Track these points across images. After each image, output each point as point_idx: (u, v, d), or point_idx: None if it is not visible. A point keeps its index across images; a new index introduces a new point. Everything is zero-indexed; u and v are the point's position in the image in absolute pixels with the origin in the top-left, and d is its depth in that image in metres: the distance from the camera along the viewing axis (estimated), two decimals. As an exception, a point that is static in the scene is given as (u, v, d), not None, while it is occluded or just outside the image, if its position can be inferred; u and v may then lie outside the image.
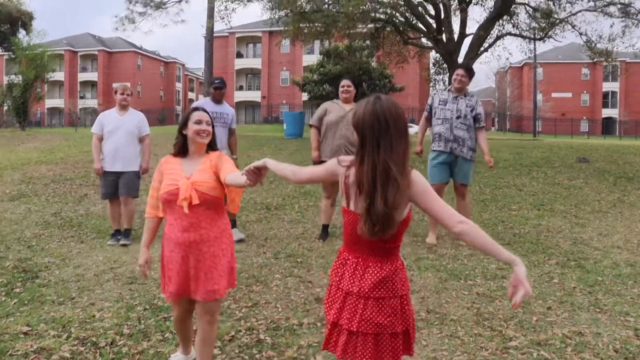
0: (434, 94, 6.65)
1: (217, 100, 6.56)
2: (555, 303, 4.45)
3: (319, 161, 6.31)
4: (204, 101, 6.87)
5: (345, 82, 6.52)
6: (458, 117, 6.32)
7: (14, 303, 4.31)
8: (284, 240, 6.45)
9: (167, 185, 2.89)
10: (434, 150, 6.46)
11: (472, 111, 6.36)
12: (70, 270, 5.23)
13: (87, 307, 4.24)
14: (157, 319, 4.01)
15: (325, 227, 6.55)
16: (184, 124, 2.98)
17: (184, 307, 3.07)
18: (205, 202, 2.85)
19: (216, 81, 6.56)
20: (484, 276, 5.13)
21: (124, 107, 6.50)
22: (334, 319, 2.19)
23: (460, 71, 6.38)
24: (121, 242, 6.30)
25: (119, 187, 6.44)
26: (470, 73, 6.42)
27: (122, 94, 6.45)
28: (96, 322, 3.94)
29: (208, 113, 3.03)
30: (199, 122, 2.94)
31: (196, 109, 3.03)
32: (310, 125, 6.55)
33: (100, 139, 6.45)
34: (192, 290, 2.89)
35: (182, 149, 3.02)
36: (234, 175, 2.69)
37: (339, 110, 6.42)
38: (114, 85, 6.62)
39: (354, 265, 2.17)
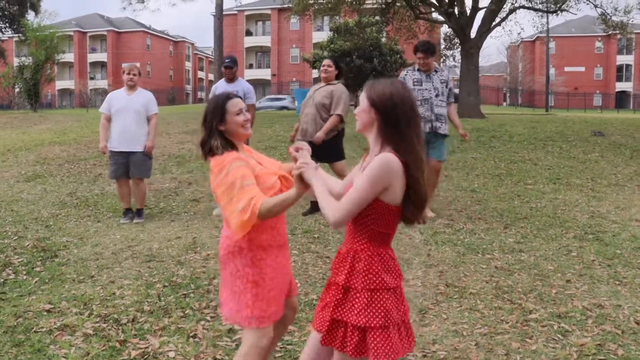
0: (405, 74, 6.46)
1: (230, 79, 6.60)
2: (575, 276, 4.43)
3: (292, 139, 6.66)
4: (219, 83, 6.92)
5: (325, 61, 6.50)
6: (437, 95, 6.26)
7: (35, 281, 4.36)
8: (300, 216, 6.45)
9: (266, 184, 2.39)
10: None
11: (446, 86, 6.33)
12: (89, 249, 5.27)
13: (107, 285, 4.27)
14: (176, 295, 4.03)
15: (313, 203, 6.52)
16: (221, 118, 2.46)
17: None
18: None
19: (226, 60, 6.62)
20: (502, 250, 5.11)
21: (131, 87, 6.48)
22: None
23: (420, 54, 6.26)
24: (135, 220, 6.35)
25: (130, 168, 6.44)
26: (429, 52, 6.26)
27: (129, 73, 6.43)
28: (117, 299, 3.98)
29: (239, 97, 2.60)
30: (240, 112, 2.49)
31: (228, 96, 2.53)
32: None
33: (109, 119, 6.46)
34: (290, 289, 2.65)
35: (221, 144, 2.45)
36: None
37: (310, 91, 6.51)
38: (123, 65, 6.60)
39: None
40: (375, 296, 2.03)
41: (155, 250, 5.17)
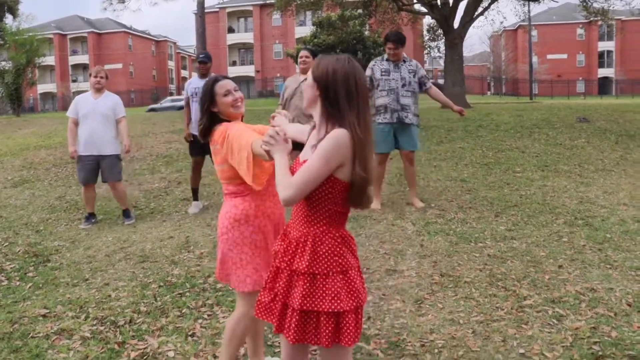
0: (373, 64, 6.45)
1: (203, 75, 6.67)
2: (566, 261, 4.48)
3: None
4: (193, 79, 6.94)
5: (303, 52, 6.45)
6: (404, 85, 6.26)
7: (29, 287, 4.34)
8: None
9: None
10: (379, 123, 6.29)
11: (414, 76, 6.31)
12: (81, 252, 5.24)
13: (102, 288, 4.26)
14: (172, 295, 4.03)
15: None
16: (211, 100, 2.63)
17: None
18: None
19: (200, 56, 6.69)
20: (494, 238, 5.16)
21: (98, 90, 6.37)
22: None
23: (390, 44, 6.27)
24: (126, 222, 6.32)
25: (101, 172, 6.38)
26: (399, 42, 6.28)
27: (96, 76, 6.33)
28: (112, 301, 3.97)
29: (229, 78, 2.74)
30: (227, 92, 2.62)
31: (216, 79, 2.70)
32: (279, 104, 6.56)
33: (76, 123, 6.36)
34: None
35: (208, 131, 2.65)
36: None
37: (294, 83, 6.42)
38: (91, 69, 6.54)
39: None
40: (346, 278, 1.99)
41: (148, 251, 5.16)
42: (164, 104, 38.80)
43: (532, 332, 3.26)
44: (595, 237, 5.08)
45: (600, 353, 2.97)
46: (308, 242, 1.99)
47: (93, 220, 6.40)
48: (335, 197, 1.96)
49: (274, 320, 2.05)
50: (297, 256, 2.01)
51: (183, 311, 3.74)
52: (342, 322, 1.95)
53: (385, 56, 6.40)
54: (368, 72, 6.39)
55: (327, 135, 1.92)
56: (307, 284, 1.97)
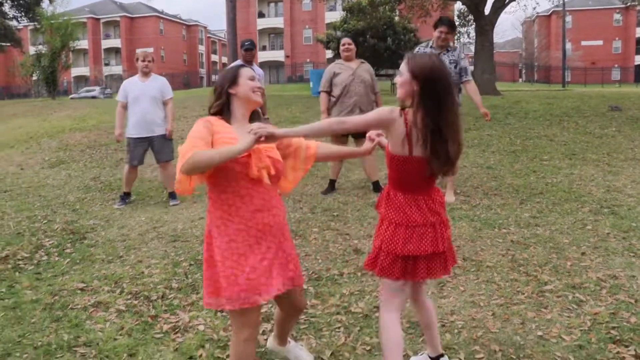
0: (417, 50, 6.42)
1: (248, 61, 6.72)
2: (590, 249, 4.52)
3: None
4: (235, 64, 6.95)
5: (345, 40, 6.56)
6: None
7: (67, 262, 4.55)
8: (319, 195, 6.58)
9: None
10: None
11: (455, 66, 6.18)
12: (115, 231, 5.45)
13: (136, 265, 4.45)
14: (202, 273, 4.18)
15: (332, 182, 6.77)
16: (233, 82, 2.44)
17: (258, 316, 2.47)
18: (278, 173, 2.41)
19: (246, 43, 6.73)
20: (517, 224, 5.21)
21: (146, 74, 6.58)
22: (434, 250, 2.40)
23: (443, 28, 6.15)
24: (171, 203, 6.51)
25: (154, 154, 6.62)
26: (452, 28, 6.24)
27: (144, 60, 6.53)
28: (145, 277, 4.15)
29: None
30: (252, 78, 2.47)
31: (242, 65, 2.59)
32: (320, 91, 6.62)
33: (125, 106, 6.58)
34: (264, 284, 2.30)
35: (223, 111, 2.45)
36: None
37: (347, 70, 6.47)
38: (137, 51, 6.72)
39: (425, 201, 2.42)
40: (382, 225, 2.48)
41: (179, 231, 5.34)
42: (81, 93, 45.85)
43: (551, 316, 3.33)
44: (621, 226, 5.09)
45: (618, 337, 3.03)
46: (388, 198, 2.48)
47: (127, 200, 6.62)
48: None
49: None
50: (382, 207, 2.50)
51: (213, 288, 3.90)
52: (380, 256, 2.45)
53: (431, 43, 6.33)
54: None
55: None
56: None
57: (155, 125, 6.55)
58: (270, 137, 2.23)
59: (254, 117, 2.53)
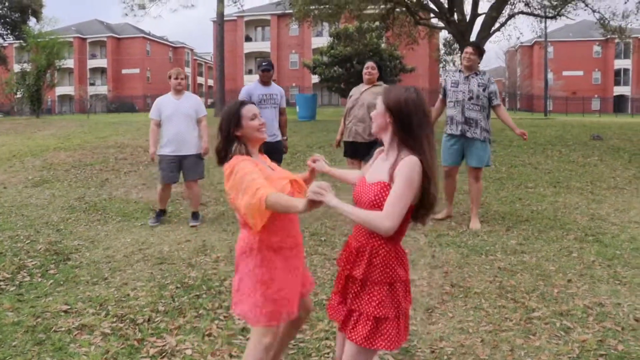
0: (446, 76, 6.55)
1: (265, 83, 6.58)
2: (575, 276, 4.55)
3: (337, 144, 6.79)
4: (253, 85, 6.71)
5: (369, 63, 6.58)
6: (470, 99, 6.18)
7: (50, 283, 4.48)
8: (307, 219, 6.56)
9: (276, 187, 2.43)
10: (447, 134, 6.39)
11: (484, 90, 6.19)
12: (100, 252, 5.38)
13: (121, 287, 4.39)
14: (189, 296, 4.15)
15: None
16: (237, 125, 2.56)
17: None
18: None
19: (264, 64, 6.60)
20: (504, 251, 5.24)
21: (179, 92, 6.55)
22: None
23: (469, 49, 6.28)
24: (190, 223, 6.44)
25: (184, 171, 6.56)
26: (479, 51, 6.30)
27: (177, 78, 6.50)
28: (131, 300, 4.09)
29: (253, 103, 2.70)
30: (254, 116, 2.58)
31: (243, 103, 2.64)
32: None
33: (158, 124, 6.53)
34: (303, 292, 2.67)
35: (226, 156, 2.56)
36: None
37: (356, 94, 6.56)
38: (170, 71, 6.65)
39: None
40: (392, 289, 2.20)
41: (166, 253, 5.29)
42: None
43: (539, 343, 3.34)
44: (605, 254, 5.15)
45: (605, 365, 3.05)
46: (365, 253, 2.22)
47: (161, 217, 6.61)
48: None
49: (339, 320, 2.34)
50: (356, 264, 2.25)
51: (200, 312, 3.86)
52: (383, 326, 2.19)
53: (460, 67, 6.42)
54: (442, 82, 6.51)
55: (404, 162, 2.13)
56: (358, 288, 2.25)
57: (189, 143, 6.49)
58: (321, 204, 2.13)
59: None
